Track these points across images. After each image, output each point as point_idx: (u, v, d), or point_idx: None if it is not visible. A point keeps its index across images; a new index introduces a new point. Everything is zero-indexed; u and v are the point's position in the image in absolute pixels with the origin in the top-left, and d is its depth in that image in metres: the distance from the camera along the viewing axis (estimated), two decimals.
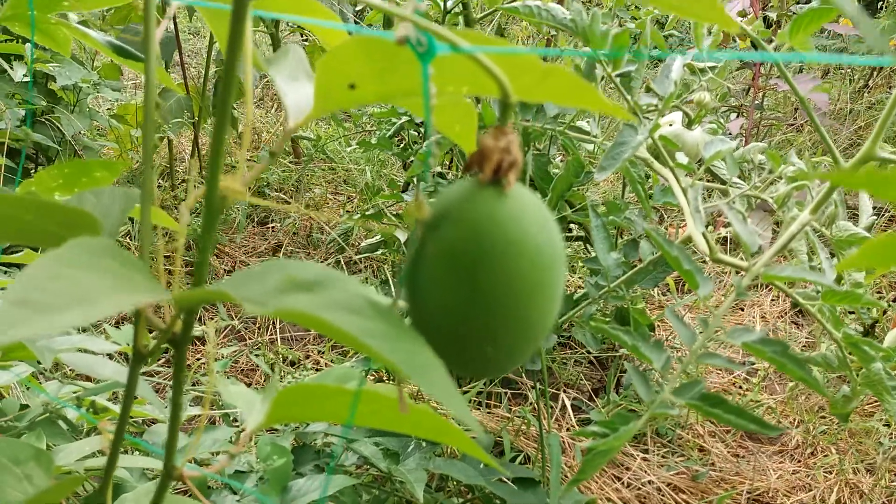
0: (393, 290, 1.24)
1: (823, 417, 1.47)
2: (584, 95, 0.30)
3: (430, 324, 0.28)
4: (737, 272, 0.66)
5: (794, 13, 2.40)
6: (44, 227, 0.30)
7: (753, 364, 1.65)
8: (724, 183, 0.92)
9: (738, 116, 2.19)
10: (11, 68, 1.37)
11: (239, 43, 0.23)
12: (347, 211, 2.24)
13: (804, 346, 1.76)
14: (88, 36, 0.44)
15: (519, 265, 0.27)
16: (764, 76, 2.10)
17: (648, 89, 0.90)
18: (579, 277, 1.82)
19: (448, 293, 0.27)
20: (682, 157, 0.71)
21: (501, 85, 0.26)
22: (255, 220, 2.16)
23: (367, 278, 1.87)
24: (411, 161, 1.47)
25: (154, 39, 0.32)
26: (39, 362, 0.59)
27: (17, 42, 1.31)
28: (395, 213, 1.66)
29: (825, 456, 1.39)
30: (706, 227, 0.69)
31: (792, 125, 2.65)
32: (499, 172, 0.28)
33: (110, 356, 0.85)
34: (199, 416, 1.03)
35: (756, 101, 2.14)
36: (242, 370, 1.55)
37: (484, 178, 0.28)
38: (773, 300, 1.89)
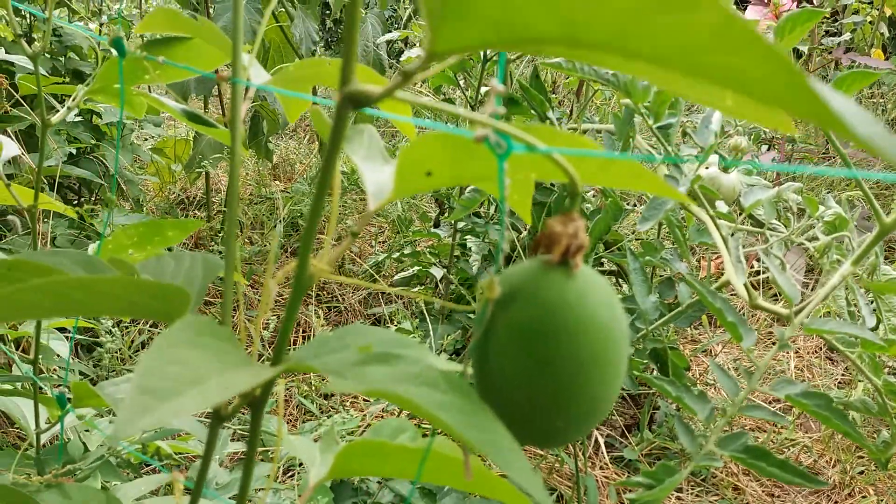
0: (430, 326, 1.26)
1: (861, 457, 1.45)
2: (645, 180, 0.32)
3: (501, 397, 0.30)
4: (776, 318, 0.67)
5: (823, 46, 2.40)
6: (137, 301, 0.33)
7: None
8: (760, 225, 0.92)
9: (769, 149, 2.19)
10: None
11: (336, 150, 0.25)
12: (379, 242, 2.27)
13: (840, 382, 1.74)
14: (165, 104, 0.47)
15: (588, 342, 0.28)
16: None
17: (685, 134, 0.91)
18: None
19: (521, 369, 0.29)
20: (721, 206, 0.72)
21: (571, 178, 0.28)
22: (289, 250, 2.19)
23: (398, 309, 1.89)
24: (446, 198, 1.49)
25: (240, 121, 0.35)
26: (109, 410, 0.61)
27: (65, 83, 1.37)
28: (428, 248, 1.68)
29: (863, 497, 1.37)
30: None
31: (824, 156, 2.64)
32: (567, 255, 0.29)
33: None
34: (240, 452, 1.05)
35: (787, 134, 2.14)
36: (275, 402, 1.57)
37: (553, 260, 0.30)
38: (806, 336, 1.87)
